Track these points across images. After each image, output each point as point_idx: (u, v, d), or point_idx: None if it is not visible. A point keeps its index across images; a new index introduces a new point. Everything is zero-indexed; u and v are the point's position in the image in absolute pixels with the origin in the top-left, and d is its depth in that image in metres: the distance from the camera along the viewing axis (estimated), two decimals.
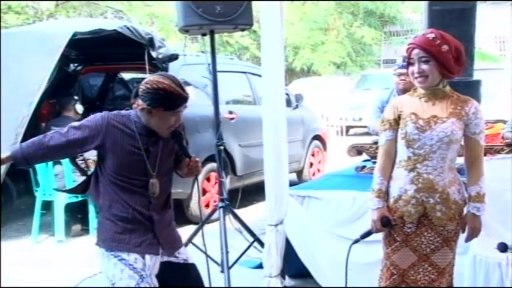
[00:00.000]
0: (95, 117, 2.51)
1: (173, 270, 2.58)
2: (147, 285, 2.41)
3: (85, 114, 6.77)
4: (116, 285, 2.42)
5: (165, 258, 2.57)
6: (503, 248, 2.99)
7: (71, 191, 2.91)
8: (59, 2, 14.18)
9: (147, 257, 2.48)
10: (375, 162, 3.18)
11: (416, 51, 2.57)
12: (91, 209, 5.52)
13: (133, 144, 2.48)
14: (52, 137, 2.46)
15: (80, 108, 5.93)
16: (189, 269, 2.64)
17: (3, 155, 2.45)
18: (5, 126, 5.37)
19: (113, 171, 2.48)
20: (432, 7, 5.35)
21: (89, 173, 2.64)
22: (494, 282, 3.02)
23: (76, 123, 2.53)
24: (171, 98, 2.43)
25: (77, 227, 5.70)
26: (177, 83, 2.46)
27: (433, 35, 2.56)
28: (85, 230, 5.65)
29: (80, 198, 5.50)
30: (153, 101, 2.42)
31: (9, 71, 5.52)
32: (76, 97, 6.02)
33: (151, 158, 2.51)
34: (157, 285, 2.47)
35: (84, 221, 5.64)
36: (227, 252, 3.95)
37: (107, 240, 2.49)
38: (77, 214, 5.74)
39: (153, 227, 2.52)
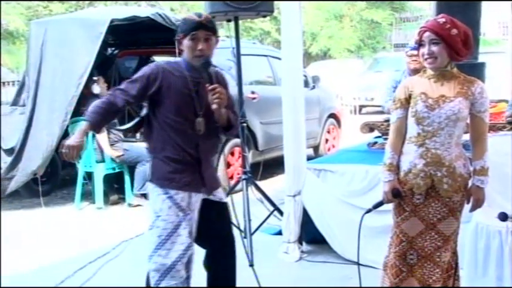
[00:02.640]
0: (149, 67, 2.57)
1: (210, 207, 2.64)
2: (189, 222, 2.52)
3: None
4: (160, 218, 2.51)
5: (205, 196, 2.63)
6: (503, 217, 2.96)
7: (125, 130, 2.97)
8: None
9: (192, 194, 2.56)
10: (385, 139, 3.14)
11: (427, 33, 2.52)
12: (127, 180, 5.57)
13: (184, 86, 2.53)
14: (116, 97, 2.50)
15: (96, 88, 5.66)
16: (223, 207, 2.72)
17: (83, 128, 2.47)
18: (57, 105, 5.45)
19: (168, 112, 2.52)
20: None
21: (142, 114, 2.71)
22: (494, 248, 2.98)
23: (132, 78, 2.58)
24: (186, 23, 2.53)
25: (114, 196, 5.77)
26: (198, 14, 2.55)
27: (443, 20, 2.51)
28: (121, 199, 5.72)
29: (117, 170, 5.56)
30: (178, 32, 2.56)
31: (61, 54, 5.56)
32: (95, 77, 5.74)
33: (199, 98, 2.55)
34: (196, 219, 2.56)
35: (121, 191, 5.70)
36: (249, 220, 3.96)
37: (160, 178, 2.55)
38: (114, 184, 5.81)
39: (200, 168, 2.58)
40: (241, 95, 4.28)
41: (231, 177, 6.03)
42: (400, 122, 2.62)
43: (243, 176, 4.19)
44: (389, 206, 2.69)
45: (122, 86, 2.54)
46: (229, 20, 4.28)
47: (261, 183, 4.49)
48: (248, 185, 4.15)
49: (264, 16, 4.52)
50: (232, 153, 6.13)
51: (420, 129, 2.55)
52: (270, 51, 7.66)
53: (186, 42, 2.53)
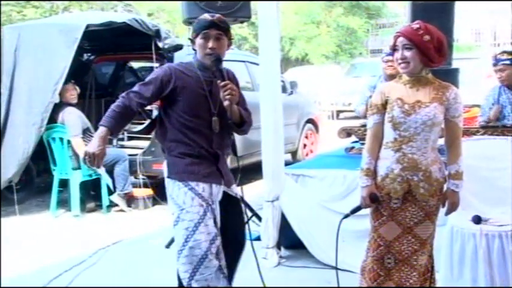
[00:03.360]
0: (161, 68, 2.61)
1: (228, 200, 2.71)
2: (213, 212, 2.57)
3: (98, 101, 6.77)
4: (184, 211, 2.54)
5: (224, 189, 2.69)
6: (477, 220, 3.03)
7: (138, 132, 2.97)
8: None
9: (213, 185, 2.61)
10: (363, 144, 3.18)
11: (400, 39, 2.57)
12: (103, 187, 5.51)
13: (198, 86, 2.58)
14: (130, 100, 2.52)
15: (65, 95, 5.49)
16: (238, 202, 2.80)
17: (101, 135, 2.46)
18: (33, 111, 5.37)
19: (182, 112, 2.55)
20: (415, 1, 5.30)
21: (153, 116, 2.79)
22: (469, 251, 3.03)
23: (145, 80, 2.60)
24: (199, 22, 2.60)
25: (91, 203, 5.70)
26: (211, 14, 2.64)
27: (417, 26, 2.56)
28: (98, 206, 5.65)
29: (94, 176, 5.50)
30: (192, 31, 2.64)
31: (35, 60, 5.48)
32: (66, 84, 5.52)
33: (212, 97, 2.59)
34: (218, 210, 2.61)
35: (98, 198, 5.64)
36: None
37: (179, 172, 2.59)
38: (90, 191, 5.74)
39: (217, 161, 2.64)
40: None
41: None
42: (377, 127, 2.65)
43: None
44: (367, 211, 2.72)
45: (136, 88, 2.57)
46: None
47: (239, 189, 4.48)
48: None
49: (242, 22, 4.53)
50: None
51: (397, 135, 2.59)
52: (247, 56, 7.67)
53: (198, 40, 2.58)
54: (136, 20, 5.64)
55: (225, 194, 2.70)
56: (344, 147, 4.51)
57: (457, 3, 5.54)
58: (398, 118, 2.56)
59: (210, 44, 2.56)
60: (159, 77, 2.57)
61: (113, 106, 2.54)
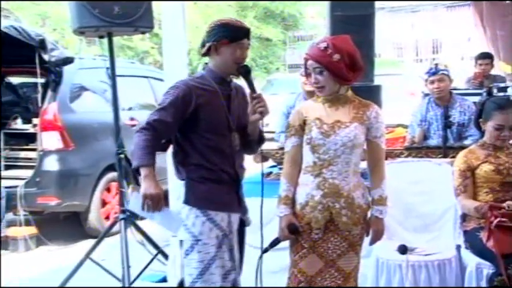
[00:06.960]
0: (178, 88, 2.62)
1: (242, 228, 2.83)
2: (230, 243, 2.67)
3: None
4: (201, 242, 2.63)
5: (241, 216, 2.80)
6: (403, 249, 3.18)
7: None
8: None
9: (232, 214, 2.71)
10: (281, 168, 3.24)
11: (310, 62, 2.68)
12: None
13: (218, 101, 2.66)
14: (156, 131, 2.55)
15: None
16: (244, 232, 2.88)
17: (151, 174, 2.53)
18: None
19: (204, 132, 2.63)
20: (334, 13, 5.53)
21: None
22: (395, 283, 3.17)
23: (162, 105, 2.61)
24: (233, 29, 2.66)
25: None
26: (241, 22, 2.74)
27: (324, 45, 2.63)
28: None
29: None
30: (218, 36, 2.64)
31: None
32: None
33: (230, 112, 2.69)
34: (236, 240, 2.72)
35: None
36: (128, 266, 3.86)
37: (198, 199, 2.67)
38: None
39: (237, 186, 2.76)
40: (118, 121, 4.20)
41: (107, 218, 5.86)
42: (295, 150, 2.73)
43: (121, 216, 4.09)
44: (287, 243, 2.77)
45: (155, 116, 2.57)
46: (101, 36, 4.22)
47: (143, 223, 4.41)
48: (127, 225, 4.06)
49: (143, 32, 4.50)
50: (108, 190, 5.96)
51: (316, 158, 2.67)
52: (151, 72, 7.63)
53: (228, 48, 2.64)
54: (15, 28, 5.42)
55: (242, 220, 2.82)
56: (260, 173, 4.56)
57: (377, 15, 5.84)
58: (317, 140, 2.65)
59: (244, 54, 2.67)
60: (178, 97, 2.59)
61: (143, 142, 2.55)
